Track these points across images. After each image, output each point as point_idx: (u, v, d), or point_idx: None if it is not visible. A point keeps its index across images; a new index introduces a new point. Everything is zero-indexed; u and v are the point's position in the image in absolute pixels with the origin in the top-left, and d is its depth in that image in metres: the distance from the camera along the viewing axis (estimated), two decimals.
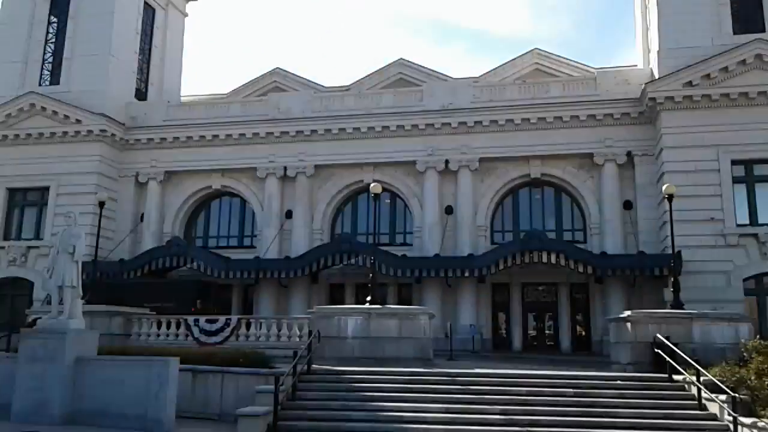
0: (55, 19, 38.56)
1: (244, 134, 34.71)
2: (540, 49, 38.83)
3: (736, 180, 27.86)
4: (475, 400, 16.07)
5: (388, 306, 23.73)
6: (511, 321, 32.03)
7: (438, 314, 28.96)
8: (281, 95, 36.40)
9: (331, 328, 20.58)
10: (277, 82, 40.37)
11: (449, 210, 32.46)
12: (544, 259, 28.52)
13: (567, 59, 38.32)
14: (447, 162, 32.64)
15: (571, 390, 16.45)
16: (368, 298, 21.92)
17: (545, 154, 31.84)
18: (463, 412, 15.45)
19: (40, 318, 17.84)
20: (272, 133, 34.47)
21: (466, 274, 29.51)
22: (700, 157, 27.92)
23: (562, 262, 28.48)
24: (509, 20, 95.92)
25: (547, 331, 32.11)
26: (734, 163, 27.86)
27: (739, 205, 27.68)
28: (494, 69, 38.15)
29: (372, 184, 24.33)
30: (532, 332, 32.33)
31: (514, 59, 38.51)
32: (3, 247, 34.46)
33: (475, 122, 32.56)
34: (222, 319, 23.68)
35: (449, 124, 32.80)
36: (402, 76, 38.72)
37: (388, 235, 33.77)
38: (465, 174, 32.51)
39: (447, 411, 15.52)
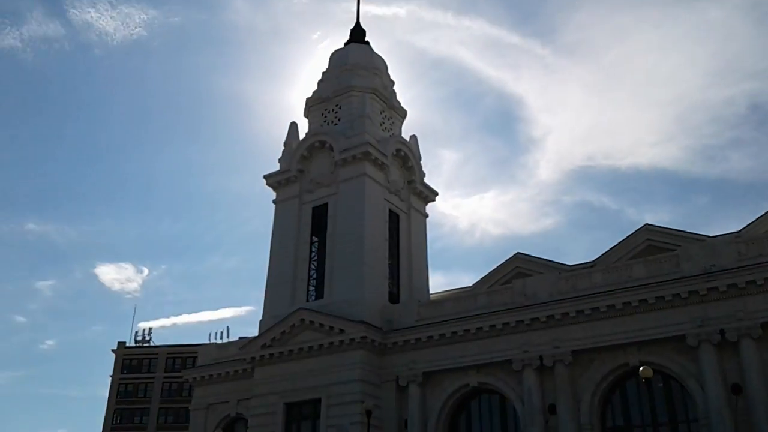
0: (316, 239, 43.23)
1: (494, 325, 34.50)
2: None
3: None
4: None
5: None
6: None
7: None
8: (526, 280, 35.98)
9: None
10: (519, 268, 40.19)
11: (736, 389, 28.26)
12: None
13: None
14: (722, 332, 29.12)
15: None
16: None
17: None
18: None
19: None
20: (522, 320, 33.84)
21: None
22: None
23: None
24: (748, 164, 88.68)
25: None
26: None
27: None
28: (757, 219, 34.49)
29: (641, 368, 22.30)
30: None
31: None
32: None
33: (747, 282, 29.19)
34: None
35: (716, 288, 29.82)
36: (650, 243, 36.50)
37: (668, 425, 30.09)
38: (748, 344, 28.54)
39: None
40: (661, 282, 30.98)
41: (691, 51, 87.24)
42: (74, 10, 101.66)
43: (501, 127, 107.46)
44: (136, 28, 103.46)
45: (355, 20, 50.82)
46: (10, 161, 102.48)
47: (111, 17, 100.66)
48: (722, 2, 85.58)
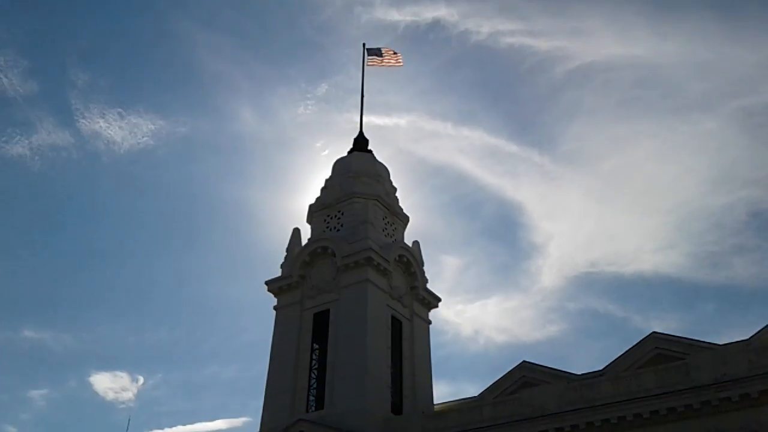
0: (317, 346, 42.28)
1: None
2: None
3: None
4: None
5: None
6: None
7: None
8: (533, 390, 34.93)
9: None
10: (526, 377, 39.15)
11: None
12: None
13: None
14: None
15: None
16: None
17: None
18: None
19: None
20: None
21: None
22: None
23: None
24: (753, 271, 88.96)
25: None
26: None
27: None
28: (766, 326, 33.91)
29: None
30: None
31: None
32: None
33: (760, 392, 28.35)
34: None
35: (728, 398, 28.84)
36: (659, 351, 35.72)
37: None
38: None
39: None
40: (671, 392, 30.05)
41: (688, 160, 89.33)
42: (84, 120, 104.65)
43: (502, 233, 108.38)
44: (143, 137, 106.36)
45: (358, 130, 52.28)
46: (9, 267, 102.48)
47: (119, 127, 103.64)
48: (716, 113, 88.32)
